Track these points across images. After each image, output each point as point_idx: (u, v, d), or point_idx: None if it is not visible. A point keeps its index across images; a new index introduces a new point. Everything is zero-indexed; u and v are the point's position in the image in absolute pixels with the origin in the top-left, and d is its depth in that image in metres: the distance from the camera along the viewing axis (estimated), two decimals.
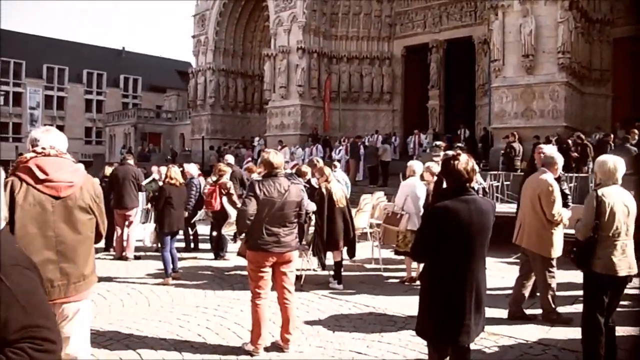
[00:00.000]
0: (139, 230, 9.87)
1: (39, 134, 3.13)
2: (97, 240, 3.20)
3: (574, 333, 5.06)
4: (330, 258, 7.75)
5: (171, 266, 7.67)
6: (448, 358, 3.34)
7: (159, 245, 8.22)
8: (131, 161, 9.96)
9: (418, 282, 6.97)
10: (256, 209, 4.62)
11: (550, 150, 6.38)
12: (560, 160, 5.71)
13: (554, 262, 5.68)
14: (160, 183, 8.87)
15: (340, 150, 21.67)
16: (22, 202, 2.88)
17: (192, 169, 9.90)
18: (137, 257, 9.44)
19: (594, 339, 4.21)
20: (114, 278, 7.92)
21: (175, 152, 32.95)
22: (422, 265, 4.41)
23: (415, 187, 7.57)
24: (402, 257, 7.95)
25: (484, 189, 9.64)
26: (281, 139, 25.09)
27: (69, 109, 60.41)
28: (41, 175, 2.93)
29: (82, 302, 3.13)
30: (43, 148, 3.03)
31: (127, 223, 9.61)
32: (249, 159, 21.26)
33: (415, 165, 7.86)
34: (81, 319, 3.15)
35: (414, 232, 7.21)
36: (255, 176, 9.77)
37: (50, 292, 2.95)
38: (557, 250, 5.60)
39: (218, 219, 9.13)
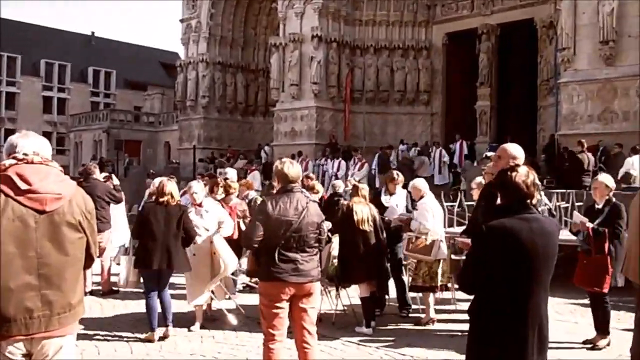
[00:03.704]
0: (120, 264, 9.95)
1: (16, 139, 3.30)
2: (87, 264, 3.37)
3: None
4: (355, 295, 7.93)
5: (156, 318, 7.21)
6: None
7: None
8: (98, 174, 9.99)
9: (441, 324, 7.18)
10: (262, 234, 4.86)
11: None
12: None
13: None
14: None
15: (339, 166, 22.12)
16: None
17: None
18: (115, 291, 9.72)
19: None
20: (87, 318, 8.04)
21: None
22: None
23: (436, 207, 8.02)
24: (418, 294, 8.28)
25: (549, 210, 9.78)
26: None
27: (22, 108, 60.71)
28: (23, 186, 3.08)
29: (66, 337, 3.27)
30: (25, 154, 3.19)
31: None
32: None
33: (420, 183, 8.24)
34: (64, 358, 3.29)
35: (437, 262, 7.69)
36: (253, 194, 10.11)
37: (28, 324, 3.07)
38: None
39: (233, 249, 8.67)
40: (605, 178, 7.20)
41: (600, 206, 6.94)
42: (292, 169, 5.13)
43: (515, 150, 4.84)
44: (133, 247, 7.94)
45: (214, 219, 7.79)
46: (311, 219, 5.01)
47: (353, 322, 7.80)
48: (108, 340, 7.22)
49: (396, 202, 8.47)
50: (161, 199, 7.27)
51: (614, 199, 6.90)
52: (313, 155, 25.29)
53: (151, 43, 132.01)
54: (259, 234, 4.86)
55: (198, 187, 8.10)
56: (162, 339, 7.18)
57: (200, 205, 7.83)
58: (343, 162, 22.40)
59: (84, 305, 3.43)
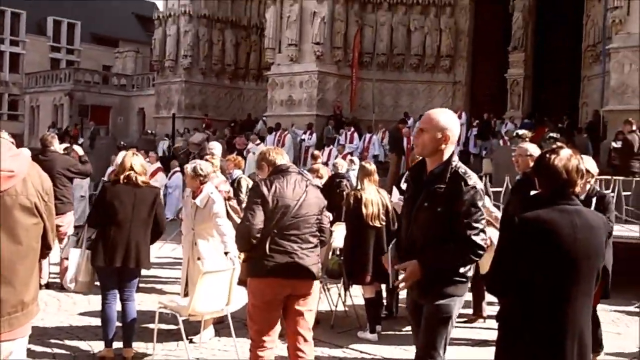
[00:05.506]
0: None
1: None
2: (44, 254, 3.35)
3: None
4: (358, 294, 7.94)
5: (114, 331, 6.73)
6: None
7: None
8: (57, 146, 9.89)
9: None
10: (263, 221, 4.80)
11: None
12: None
13: None
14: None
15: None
16: None
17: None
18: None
19: None
20: (42, 319, 7.71)
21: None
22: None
23: None
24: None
25: None
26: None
27: None
28: None
29: (16, 341, 3.24)
30: None
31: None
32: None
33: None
34: None
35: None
36: (238, 172, 10.02)
37: None
38: None
39: None
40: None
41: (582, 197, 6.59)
42: (279, 155, 5.22)
43: (446, 118, 4.21)
44: (88, 238, 6.94)
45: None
46: (312, 203, 5.01)
47: (355, 325, 7.81)
48: (64, 344, 7.13)
49: None
50: (126, 176, 6.62)
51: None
52: (314, 126, 25.10)
53: None
54: (261, 220, 4.78)
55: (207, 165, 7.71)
56: (127, 357, 6.69)
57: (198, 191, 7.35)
58: (335, 150, 21.87)
59: (39, 303, 3.41)
